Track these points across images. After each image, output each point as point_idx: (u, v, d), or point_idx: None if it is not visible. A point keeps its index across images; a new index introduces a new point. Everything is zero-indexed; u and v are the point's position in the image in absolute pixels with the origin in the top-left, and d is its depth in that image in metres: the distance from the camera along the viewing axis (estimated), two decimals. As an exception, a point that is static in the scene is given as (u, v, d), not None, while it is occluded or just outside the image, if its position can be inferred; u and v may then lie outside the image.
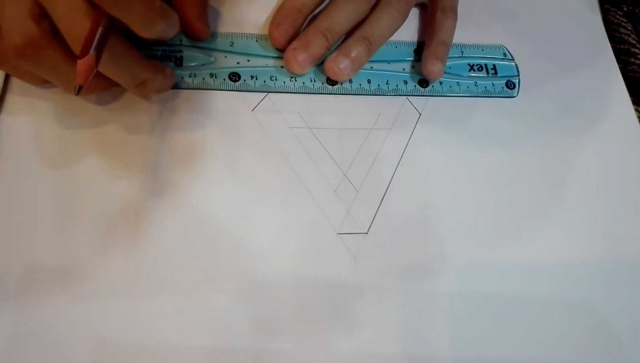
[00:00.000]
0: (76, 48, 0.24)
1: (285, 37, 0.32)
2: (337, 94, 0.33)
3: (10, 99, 0.29)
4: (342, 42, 0.32)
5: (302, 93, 0.32)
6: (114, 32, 0.24)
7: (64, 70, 0.26)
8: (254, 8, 0.34)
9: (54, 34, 0.24)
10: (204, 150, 0.30)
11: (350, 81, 0.33)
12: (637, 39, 0.37)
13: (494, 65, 0.35)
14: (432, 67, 0.32)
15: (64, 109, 0.30)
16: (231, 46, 0.32)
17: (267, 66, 0.32)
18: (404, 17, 0.34)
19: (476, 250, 0.29)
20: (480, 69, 0.35)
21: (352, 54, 0.31)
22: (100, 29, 0.23)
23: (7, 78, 0.30)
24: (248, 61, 0.32)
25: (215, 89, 0.31)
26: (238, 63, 0.32)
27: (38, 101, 0.29)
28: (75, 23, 0.23)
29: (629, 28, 0.38)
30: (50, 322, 0.25)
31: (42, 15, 0.24)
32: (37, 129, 0.29)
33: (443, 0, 0.34)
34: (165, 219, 0.28)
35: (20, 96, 0.29)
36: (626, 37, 0.37)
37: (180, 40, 0.32)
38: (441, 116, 0.33)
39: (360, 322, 0.27)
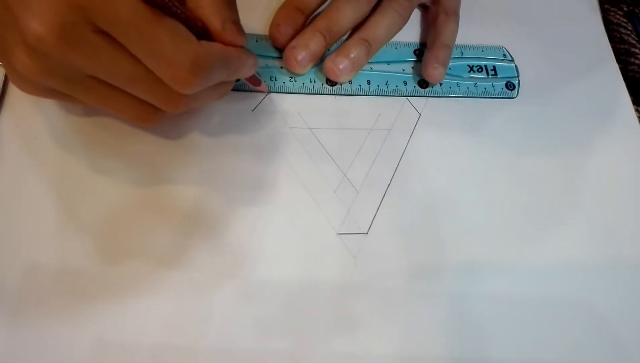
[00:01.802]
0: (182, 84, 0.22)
1: (286, 37, 0.32)
2: (337, 94, 0.33)
3: (10, 99, 0.29)
4: (342, 43, 0.33)
5: (302, 93, 0.32)
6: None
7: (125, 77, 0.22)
8: (255, 8, 0.34)
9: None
10: (204, 150, 0.30)
11: (350, 81, 0.33)
12: (637, 39, 0.37)
13: (493, 66, 0.35)
14: (433, 70, 0.32)
15: (64, 109, 0.30)
16: (231, 46, 0.32)
17: (267, 66, 0.32)
18: (405, 19, 0.34)
19: (476, 250, 0.29)
20: (480, 70, 0.35)
21: (352, 55, 0.31)
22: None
23: (7, 78, 0.30)
24: (248, 61, 0.32)
25: (215, 89, 0.31)
26: (238, 63, 0.32)
27: (38, 101, 0.29)
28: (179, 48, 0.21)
29: (629, 28, 0.38)
30: (50, 322, 0.25)
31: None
32: (37, 129, 0.29)
33: (445, 3, 0.34)
34: (164, 218, 0.28)
35: (20, 96, 0.29)
36: (626, 37, 0.37)
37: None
38: (441, 116, 0.33)
39: (360, 322, 0.27)
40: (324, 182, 0.30)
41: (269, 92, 0.32)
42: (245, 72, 0.27)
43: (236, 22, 0.25)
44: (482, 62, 0.35)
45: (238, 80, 0.29)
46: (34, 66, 0.21)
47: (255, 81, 0.30)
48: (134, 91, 0.23)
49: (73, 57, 0.21)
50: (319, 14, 0.33)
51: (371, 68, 0.34)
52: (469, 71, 0.35)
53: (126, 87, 0.23)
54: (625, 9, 0.39)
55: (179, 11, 0.21)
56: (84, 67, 0.22)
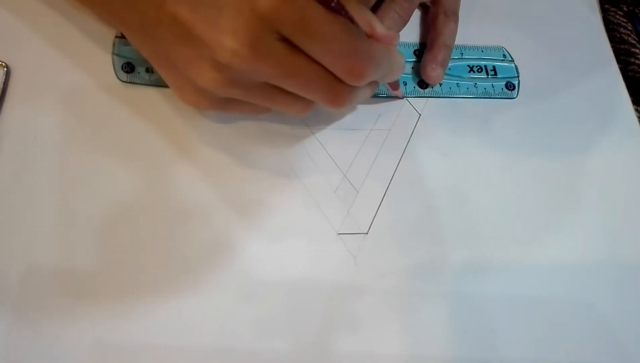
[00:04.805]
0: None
1: None
2: (404, 96, 0.33)
3: (10, 99, 0.29)
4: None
5: (302, 94, 0.32)
6: None
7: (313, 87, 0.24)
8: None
9: None
10: (203, 150, 0.30)
11: (350, 81, 0.33)
12: (637, 39, 0.37)
13: (493, 66, 0.35)
14: (432, 71, 0.33)
15: (64, 109, 0.30)
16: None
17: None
18: (406, 21, 0.34)
19: (475, 250, 0.29)
20: (480, 70, 0.35)
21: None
22: None
23: (7, 78, 0.30)
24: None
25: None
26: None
27: (38, 101, 0.30)
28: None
29: (629, 28, 0.38)
30: (50, 322, 0.25)
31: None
32: (37, 129, 0.29)
33: (445, 3, 0.35)
34: (164, 218, 0.28)
35: (20, 96, 0.30)
36: (626, 37, 0.37)
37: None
38: (441, 117, 0.33)
39: (360, 322, 0.27)
40: (324, 182, 0.30)
41: (405, 97, 0.33)
42: (397, 73, 0.29)
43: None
44: (482, 63, 0.35)
45: None
46: (223, 78, 0.23)
47: (395, 84, 0.31)
48: (306, 93, 0.25)
49: (261, 67, 0.22)
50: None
51: (371, 68, 0.34)
52: (469, 71, 0.35)
53: (301, 89, 0.24)
54: (625, 9, 0.39)
55: (347, 14, 0.23)
56: (268, 75, 0.23)
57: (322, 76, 0.24)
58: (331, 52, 0.23)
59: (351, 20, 0.23)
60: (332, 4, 0.22)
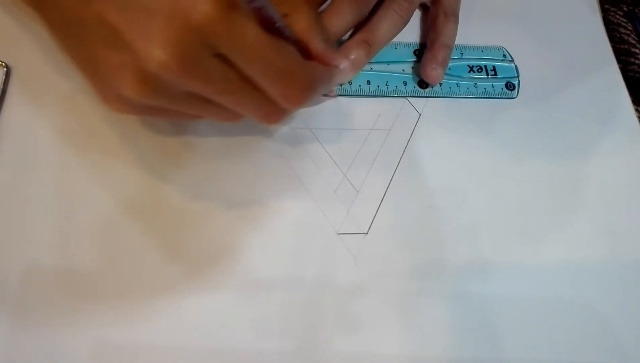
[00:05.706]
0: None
1: None
2: (336, 95, 0.33)
3: (10, 99, 0.29)
4: (343, 44, 0.32)
5: (302, 94, 0.32)
6: None
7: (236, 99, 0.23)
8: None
9: None
10: (204, 149, 0.30)
11: (350, 82, 0.33)
12: (637, 39, 0.37)
13: (493, 66, 0.35)
14: (432, 71, 0.33)
15: (64, 109, 0.30)
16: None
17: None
18: (405, 21, 0.34)
19: (475, 250, 0.29)
20: (480, 70, 0.35)
21: (352, 56, 0.31)
22: None
23: (7, 78, 0.30)
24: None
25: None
26: (238, 64, 0.32)
27: (38, 101, 0.30)
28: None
29: (629, 28, 0.38)
30: (50, 322, 0.25)
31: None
32: (37, 129, 0.29)
33: (445, 4, 0.35)
34: (164, 218, 0.28)
35: (20, 96, 0.30)
36: (626, 37, 0.37)
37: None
38: (441, 117, 0.33)
39: (360, 321, 0.27)
40: (324, 182, 0.30)
41: (337, 95, 0.33)
42: (332, 87, 0.29)
43: (331, 41, 0.26)
44: (482, 63, 0.35)
45: None
46: (147, 89, 0.21)
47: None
48: (237, 108, 0.24)
49: (190, 82, 0.21)
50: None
51: (371, 68, 0.34)
52: (469, 71, 0.35)
53: (232, 106, 0.24)
54: (625, 9, 0.39)
55: (289, 35, 0.23)
56: (197, 90, 0.22)
57: (256, 96, 0.23)
58: (267, 77, 0.22)
59: (293, 42, 0.23)
60: (276, 25, 0.21)
